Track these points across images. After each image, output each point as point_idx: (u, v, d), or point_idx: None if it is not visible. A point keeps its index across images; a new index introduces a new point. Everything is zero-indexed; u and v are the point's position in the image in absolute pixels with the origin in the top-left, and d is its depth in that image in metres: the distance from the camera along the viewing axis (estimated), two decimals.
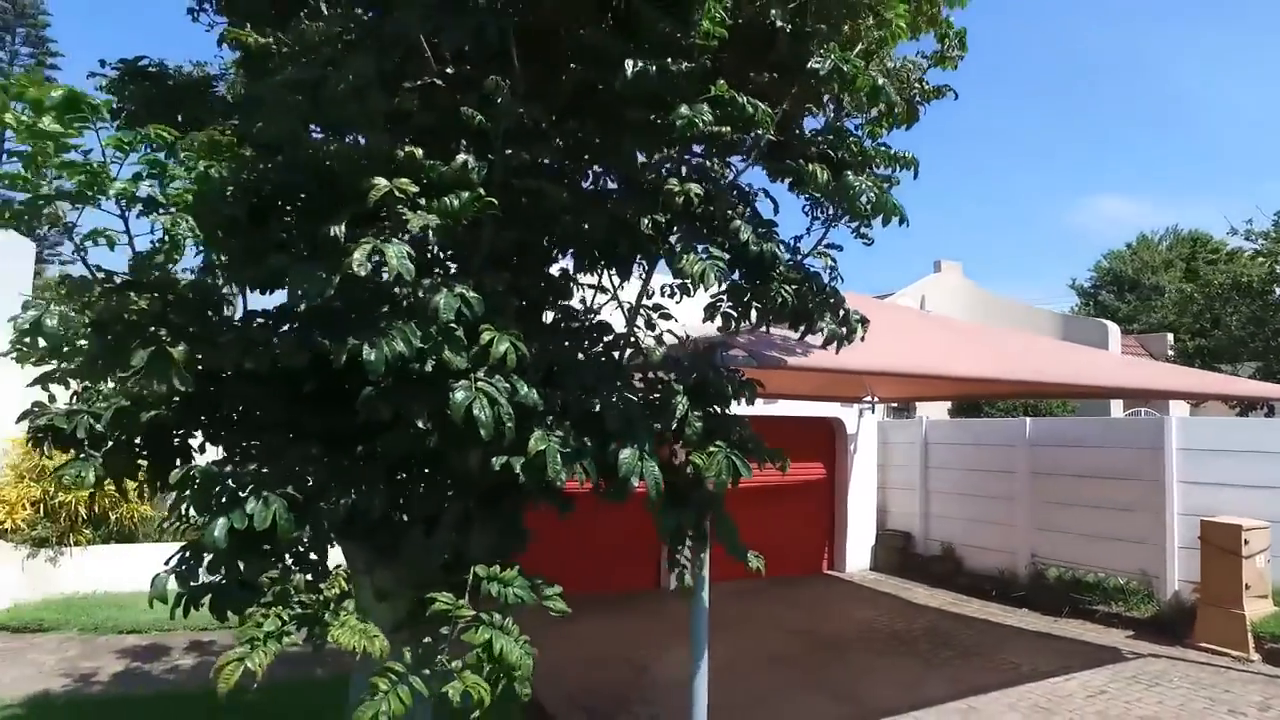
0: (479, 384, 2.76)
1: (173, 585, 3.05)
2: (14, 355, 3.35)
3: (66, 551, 9.57)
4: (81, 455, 3.64)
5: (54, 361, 3.48)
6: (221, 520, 2.69)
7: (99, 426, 3.62)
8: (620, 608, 10.17)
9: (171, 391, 3.00)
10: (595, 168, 3.88)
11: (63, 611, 8.91)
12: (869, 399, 12.65)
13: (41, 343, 3.31)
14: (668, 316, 3.79)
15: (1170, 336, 23.03)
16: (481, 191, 2.87)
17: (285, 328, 3.17)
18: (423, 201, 2.75)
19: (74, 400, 3.77)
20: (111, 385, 3.45)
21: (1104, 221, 67.28)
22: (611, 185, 3.89)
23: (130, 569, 9.82)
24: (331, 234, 2.72)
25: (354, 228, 2.74)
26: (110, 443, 3.70)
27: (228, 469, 2.96)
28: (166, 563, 3.18)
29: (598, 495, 3.77)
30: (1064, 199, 75.12)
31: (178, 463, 3.97)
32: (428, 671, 2.78)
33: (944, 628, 9.83)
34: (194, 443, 4.07)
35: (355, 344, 2.66)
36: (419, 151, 2.80)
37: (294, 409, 3.16)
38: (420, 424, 2.81)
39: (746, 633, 9.21)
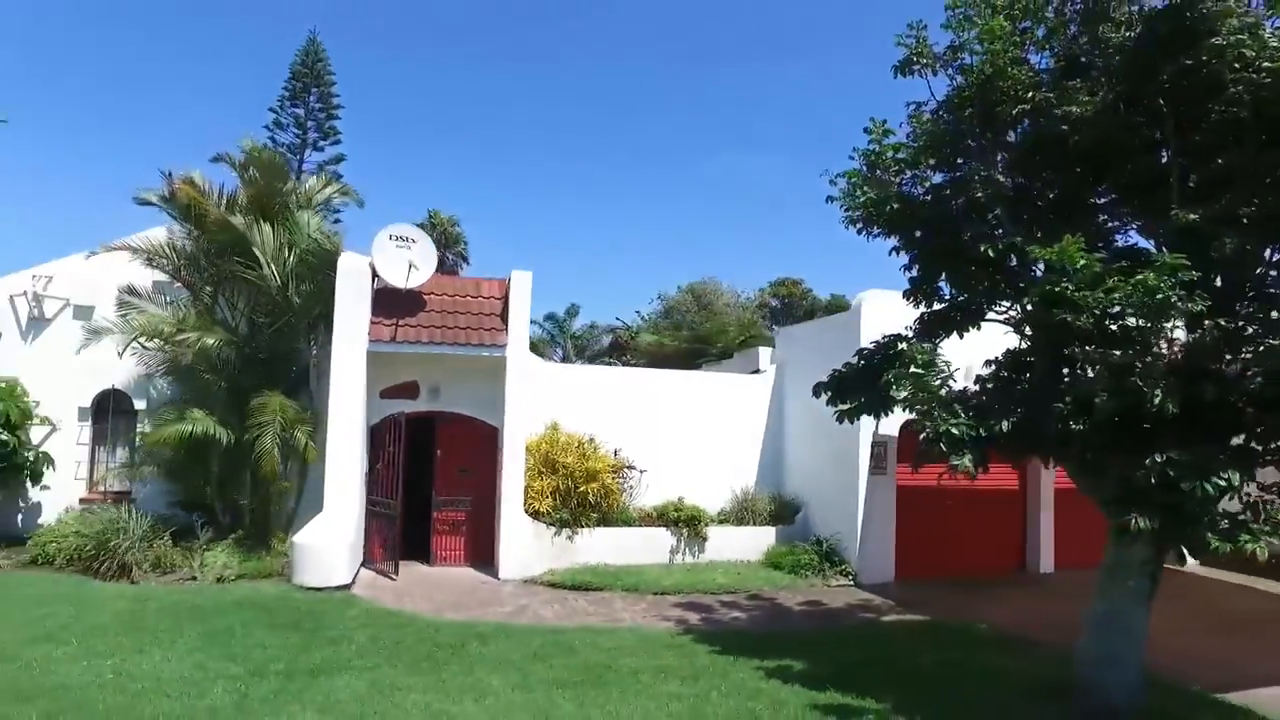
0: None
1: None
2: None
3: (579, 531, 12.38)
4: (962, 452, 5.94)
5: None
6: (1204, 484, 4.96)
7: (973, 433, 5.92)
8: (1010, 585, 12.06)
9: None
10: None
11: (594, 576, 11.61)
12: None
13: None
14: None
15: None
16: None
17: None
18: None
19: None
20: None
21: None
22: None
23: (614, 546, 12.56)
24: None
25: None
26: (970, 443, 5.99)
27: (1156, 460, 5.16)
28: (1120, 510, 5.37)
29: None
30: None
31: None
32: None
33: None
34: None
35: None
36: None
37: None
38: None
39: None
